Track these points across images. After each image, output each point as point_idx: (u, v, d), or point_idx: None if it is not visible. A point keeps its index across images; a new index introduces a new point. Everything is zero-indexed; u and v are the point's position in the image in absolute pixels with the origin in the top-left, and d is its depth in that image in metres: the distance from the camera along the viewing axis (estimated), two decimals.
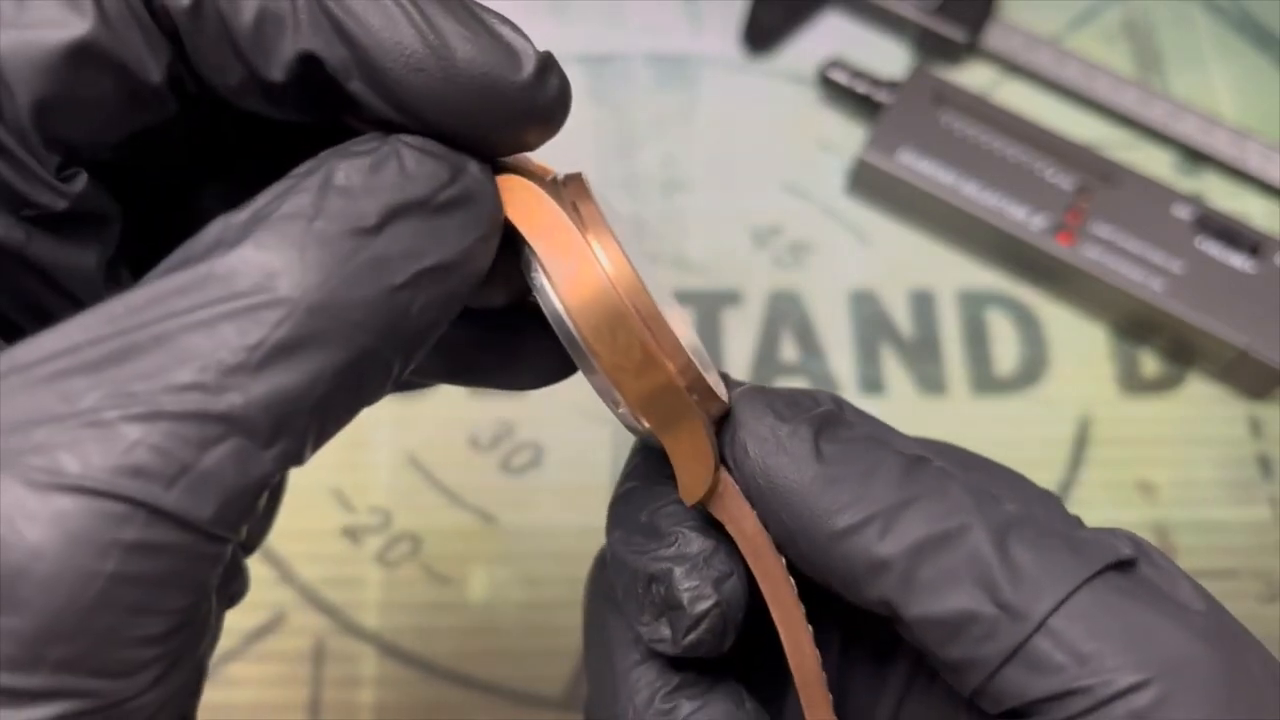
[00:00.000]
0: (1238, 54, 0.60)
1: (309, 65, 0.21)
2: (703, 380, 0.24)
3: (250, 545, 0.30)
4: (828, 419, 0.24)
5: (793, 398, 0.25)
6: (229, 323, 0.18)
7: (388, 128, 0.21)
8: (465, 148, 0.21)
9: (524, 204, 0.22)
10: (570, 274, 0.22)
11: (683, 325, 0.25)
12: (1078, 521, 0.26)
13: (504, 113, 0.21)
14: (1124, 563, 0.23)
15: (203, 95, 0.22)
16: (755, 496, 0.24)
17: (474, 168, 0.21)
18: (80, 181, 0.21)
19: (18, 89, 0.20)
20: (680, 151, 0.57)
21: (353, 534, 0.48)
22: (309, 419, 0.18)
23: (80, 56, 0.20)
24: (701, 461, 0.24)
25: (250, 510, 0.18)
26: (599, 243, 0.23)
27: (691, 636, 0.23)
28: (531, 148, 0.22)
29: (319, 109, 0.22)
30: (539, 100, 0.21)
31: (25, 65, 0.20)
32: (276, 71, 0.21)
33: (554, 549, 0.47)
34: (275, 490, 0.30)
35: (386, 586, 0.47)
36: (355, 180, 0.19)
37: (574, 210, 0.23)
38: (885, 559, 0.23)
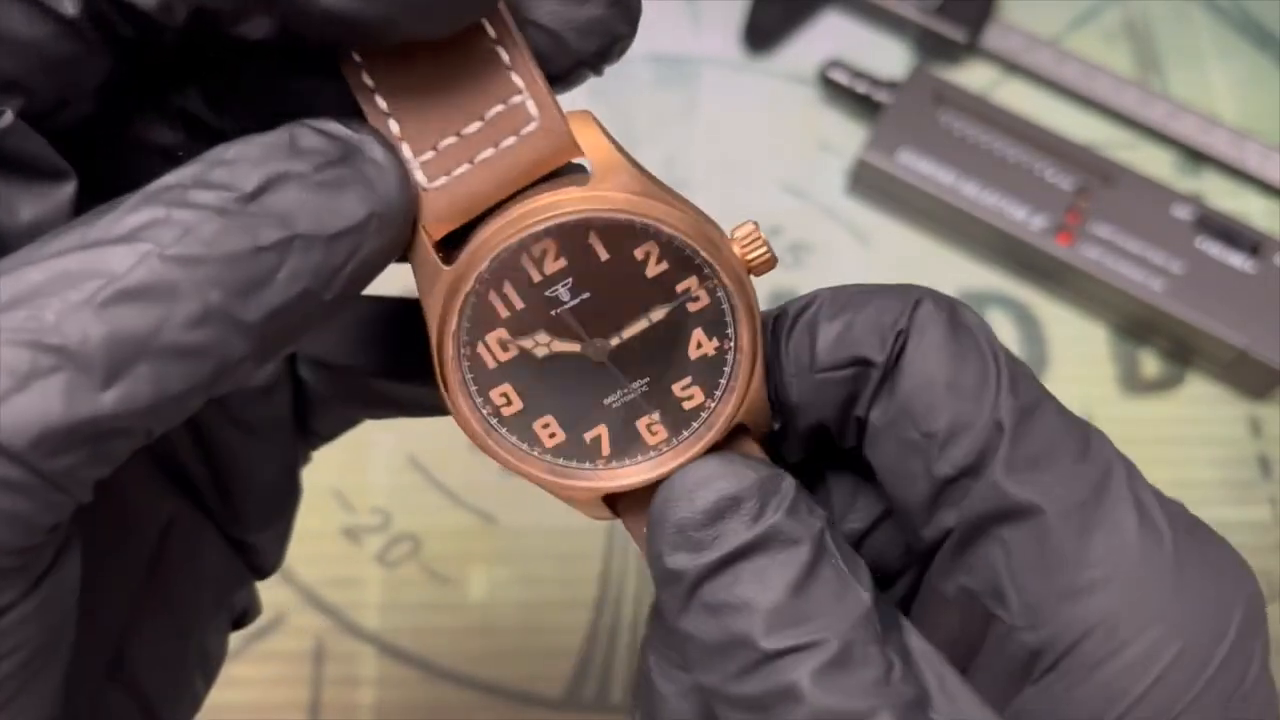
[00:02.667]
0: (1238, 54, 0.60)
1: None
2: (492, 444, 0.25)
3: (264, 568, 0.31)
4: (728, 560, 0.22)
5: (720, 509, 0.22)
6: (78, 262, 0.18)
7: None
8: (332, 28, 0.19)
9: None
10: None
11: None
12: None
13: None
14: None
15: (142, 36, 0.21)
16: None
17: (377, 152, 0.20)
18: (4, 118, 0.20)
19: None
20: (680, 151, 0.57)
21: (353, 534, 0.48)
22: (152, 367, 0.18)
23: None
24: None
25: (82, 451, 0.18)
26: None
27: None
28: (403, 37, 0.20)
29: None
30: None
31: None
32: None
33: (554, 549, 0.47)
34: (286, 505, 0.30)
35: (386, 586, 0.47)
36: (243, 153, 0.19)
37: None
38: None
